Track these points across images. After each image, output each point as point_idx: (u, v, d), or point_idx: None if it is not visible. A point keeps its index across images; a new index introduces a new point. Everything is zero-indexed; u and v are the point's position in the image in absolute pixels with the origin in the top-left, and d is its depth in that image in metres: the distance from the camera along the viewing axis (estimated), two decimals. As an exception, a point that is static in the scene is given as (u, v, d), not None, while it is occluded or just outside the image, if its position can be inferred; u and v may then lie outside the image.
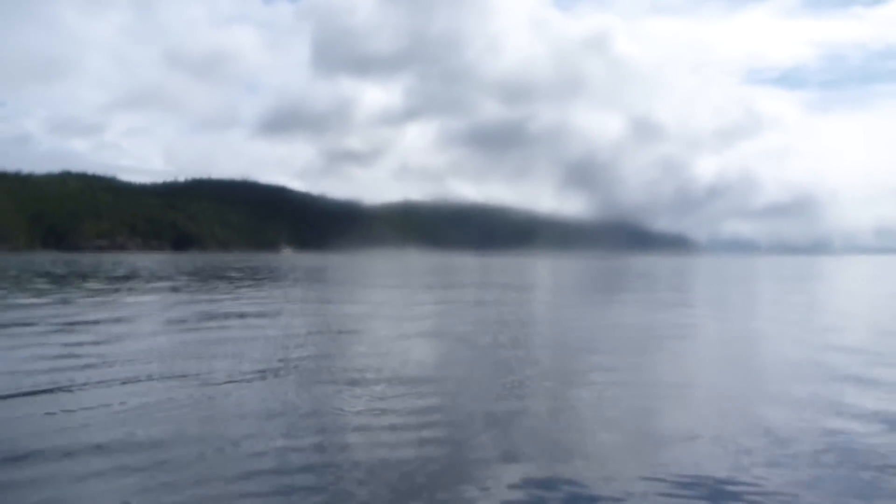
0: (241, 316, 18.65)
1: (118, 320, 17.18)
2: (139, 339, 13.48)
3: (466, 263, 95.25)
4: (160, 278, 42.63)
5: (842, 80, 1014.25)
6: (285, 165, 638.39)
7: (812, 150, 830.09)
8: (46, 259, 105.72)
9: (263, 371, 10.08)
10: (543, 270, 66.11)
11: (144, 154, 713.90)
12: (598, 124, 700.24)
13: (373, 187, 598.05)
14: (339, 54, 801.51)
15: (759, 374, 10.80)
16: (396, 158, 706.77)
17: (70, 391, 8.46)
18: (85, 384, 8.88)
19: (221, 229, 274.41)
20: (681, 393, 9.08)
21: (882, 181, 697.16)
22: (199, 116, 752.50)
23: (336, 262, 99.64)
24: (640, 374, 10.34)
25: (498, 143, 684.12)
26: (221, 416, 7.42)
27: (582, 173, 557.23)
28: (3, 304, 22.00)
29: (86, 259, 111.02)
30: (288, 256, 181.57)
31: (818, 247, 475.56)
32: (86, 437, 6.49)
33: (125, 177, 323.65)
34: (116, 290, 29.70)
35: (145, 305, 22.42)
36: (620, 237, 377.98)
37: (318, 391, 8.77)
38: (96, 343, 12.90)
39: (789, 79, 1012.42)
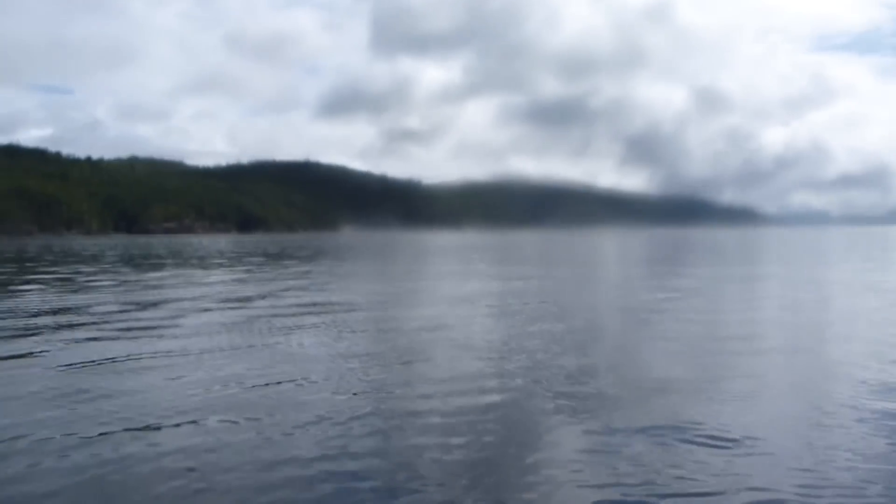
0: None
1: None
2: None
3: (531, 241, 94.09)
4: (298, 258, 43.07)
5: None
6: (346, 146, 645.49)
7: (886, 117, 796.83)
8: (152, 241, 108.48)
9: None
10: (610, 247, 64.77)
11: (209, 137, 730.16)
12: (660, 97, 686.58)
13: (433, 166, 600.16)
14: (398, 34, 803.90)
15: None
16: (456, 137, 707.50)
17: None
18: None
19: (286, 210, 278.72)
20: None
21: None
22: (261, 99, 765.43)
23: (399, 240, 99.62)
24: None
25: (558, 118, 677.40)
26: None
27: (644, 147, 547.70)
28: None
29: (159, 241, 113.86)
30: (349, 236, 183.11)
31: (893, 216, 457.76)
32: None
33: (191, 161, 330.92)
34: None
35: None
36: (684, 211, 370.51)
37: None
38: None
39: (861, 43, 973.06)
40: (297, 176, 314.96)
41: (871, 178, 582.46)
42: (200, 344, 9.46)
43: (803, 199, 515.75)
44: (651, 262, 33.65)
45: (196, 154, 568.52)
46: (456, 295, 16.87)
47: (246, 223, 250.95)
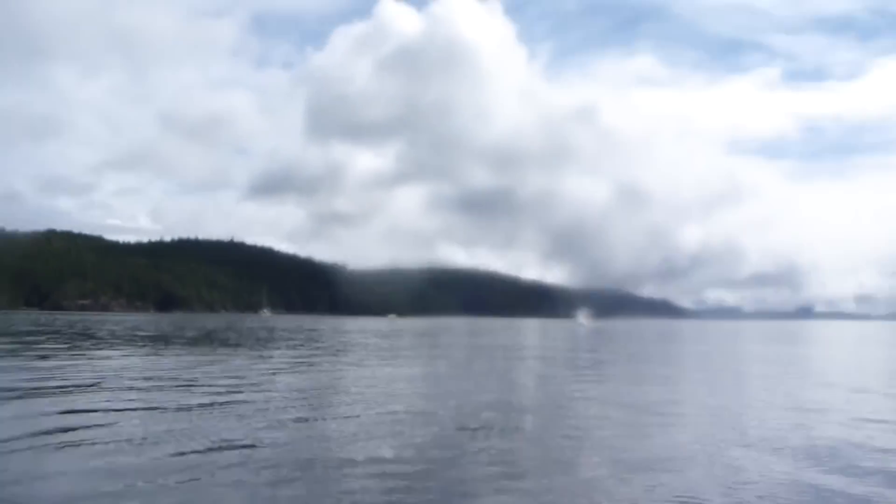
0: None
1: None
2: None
3: (452, 326, 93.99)
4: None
5: (821, 151, 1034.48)
6: (274, 228, 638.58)
7: (793, 219, 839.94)
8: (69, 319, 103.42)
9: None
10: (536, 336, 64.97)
11: (132, 214, 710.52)
12: (585, 193, 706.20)
13: (361, 251, 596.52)
14: (332, 120, 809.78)
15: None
16: (385, 223, 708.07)
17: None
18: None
19: (207, 290, 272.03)
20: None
21: (861, 250, 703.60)
22: (189, 178, 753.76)
23: (308, 324, 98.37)
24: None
25: (486, 209, 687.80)
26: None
27: (568, 241, 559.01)
28: None
29: (73, 319, 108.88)
30: (266, 318, 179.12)
31: (801, 312, 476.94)
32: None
33: (112, 236, 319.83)
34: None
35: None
36: (606, 303, 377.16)
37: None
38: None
39: (770, 149, 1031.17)
40: (221, 256, 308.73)
41: (781, 276, 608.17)
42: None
43: (718, 295, 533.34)
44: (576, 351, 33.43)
45: (118, 230, 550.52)
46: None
47: (165, 302, 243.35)
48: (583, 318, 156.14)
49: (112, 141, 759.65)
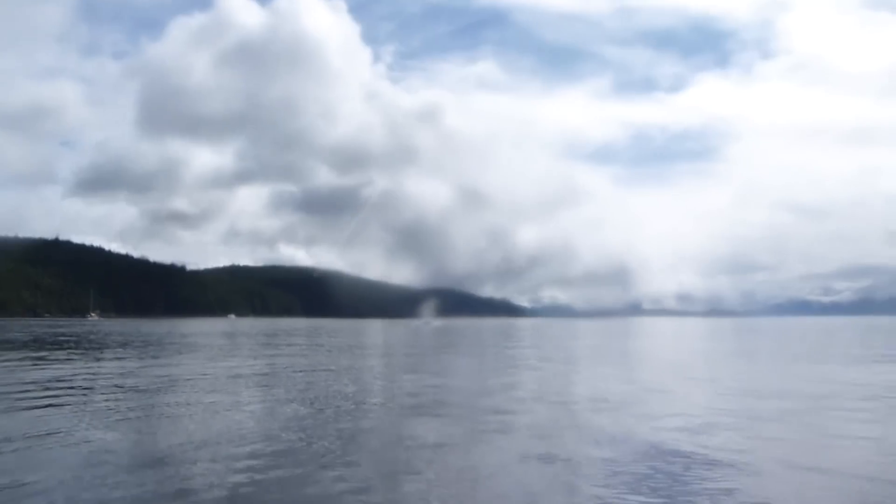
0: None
1: None
2: None
3: (294, 327, 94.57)
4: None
5: (647, 157, 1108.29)
6: (104, 226, 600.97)
7: (623, 221, 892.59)
8: None
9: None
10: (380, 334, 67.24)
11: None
12: (427, 194, 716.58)
13: (199, 251, 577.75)
14: (168, 113, 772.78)
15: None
16: (226, 222, 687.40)
17: None
18: None
19: (28, 293, 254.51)
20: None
21: (682, 250, 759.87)
22: (9, 171, 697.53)
23: (144, 329, 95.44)
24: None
25: (330, 209, 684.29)
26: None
27: (411, 241, 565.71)
28: None
29: None
30: (94, 322, 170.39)
31: (630, 309, 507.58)
32: None
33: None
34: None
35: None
36: (448, 303, 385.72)
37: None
38: None
39: (602, 155, 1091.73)
40: (44, 255, 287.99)
41: (611, 275, 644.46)
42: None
43: (553, 293, 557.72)
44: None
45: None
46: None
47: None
48: (427, 317, 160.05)
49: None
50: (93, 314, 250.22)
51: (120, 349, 37.07)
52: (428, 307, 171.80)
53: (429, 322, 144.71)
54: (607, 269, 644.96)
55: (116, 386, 17.65)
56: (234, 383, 18.89)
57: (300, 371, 21.79)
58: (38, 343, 44.51)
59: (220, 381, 19.37)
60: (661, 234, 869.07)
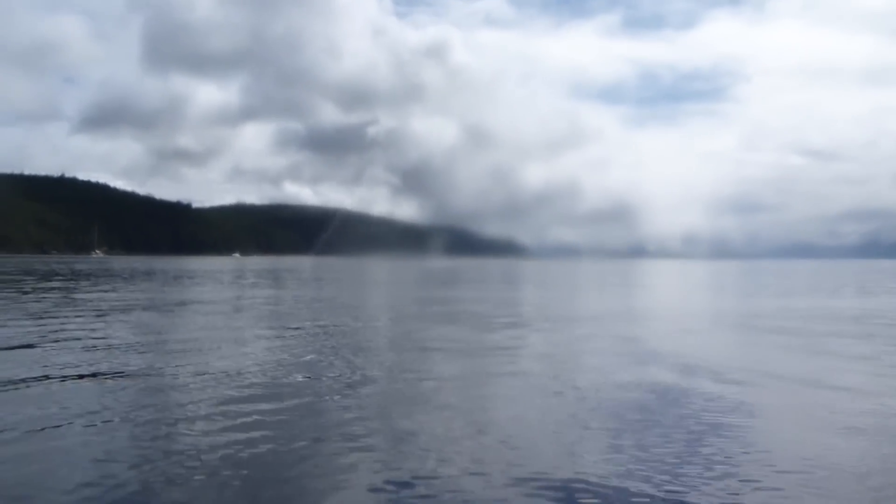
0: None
1: None
2: None
3: (300, 265, 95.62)
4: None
5: (655, 97, 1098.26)
6: (109, 163, 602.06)
7: (629, 161, 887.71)
8: None
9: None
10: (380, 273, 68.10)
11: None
12: (433, 132, 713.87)
13: (205, 189, 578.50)
14: (172, 49, 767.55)
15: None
16: (231, 160, 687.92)
17: None
18: None
19: (36, 229, 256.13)
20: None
21: (688, 192, 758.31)
22: (14, 109, 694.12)
23: (143, 266, 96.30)
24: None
25: (335, 147, 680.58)
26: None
27: (417, 179, 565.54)
28: None
29: None
30: (99, 259, 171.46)
31: (634, 251, 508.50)
32: None
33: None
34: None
35: None
36: (452, 241, 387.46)
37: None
38: None
39: (610, 94, 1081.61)
40: (50, 192, 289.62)
41: (616, 215, 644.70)
42: None
43: (558, 234, 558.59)
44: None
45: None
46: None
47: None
48: (434, 257, 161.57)
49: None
50: (98, 251, 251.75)
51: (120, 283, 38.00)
52: (435, 246, 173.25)
53: (432, 261, 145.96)
54: (613, 210, 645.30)
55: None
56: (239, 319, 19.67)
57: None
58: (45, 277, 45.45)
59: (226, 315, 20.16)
60: (668, 174, 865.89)
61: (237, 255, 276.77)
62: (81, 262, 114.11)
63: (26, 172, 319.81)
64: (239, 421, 7.23)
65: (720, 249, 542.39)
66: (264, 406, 7.92)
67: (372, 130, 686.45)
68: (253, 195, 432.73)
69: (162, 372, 9.87)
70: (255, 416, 7.41)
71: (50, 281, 41.16)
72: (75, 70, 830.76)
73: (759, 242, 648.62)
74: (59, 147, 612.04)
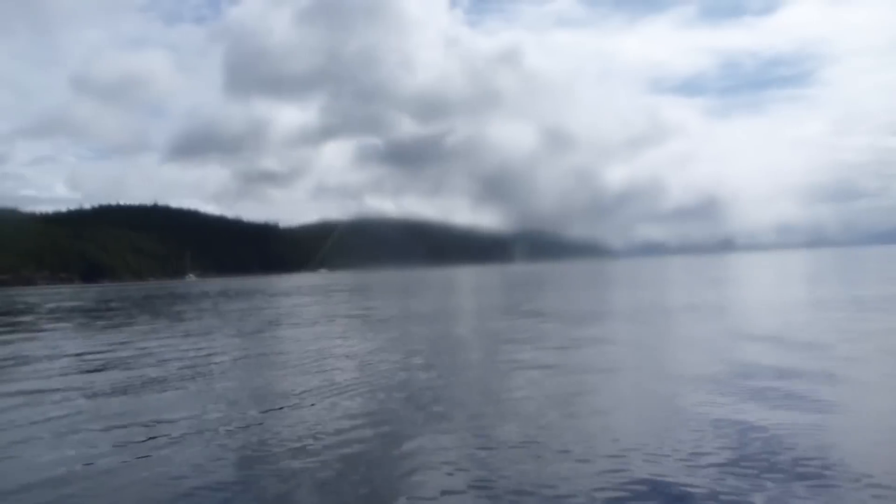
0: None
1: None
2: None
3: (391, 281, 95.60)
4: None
5: (738, 86, 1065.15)
6: (198, 189, 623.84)
7: (713, 154, 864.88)
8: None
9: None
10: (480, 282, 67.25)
11: (49, 183, 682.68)
12: (511, 138, 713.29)
13: (290, 208, 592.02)
14: (252, 75, 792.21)
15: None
16: (314, 178, 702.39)
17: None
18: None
19: (133, 257, 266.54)
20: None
21: (778, 181, 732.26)
22: (107, 143, 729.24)
23: (235, 286, 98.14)
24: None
25: (414, 159, 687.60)
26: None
27: (497, 186, 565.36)
28: None
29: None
30: (192, 283, 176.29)
31: (723, 245, 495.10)
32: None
33: (28, 208, 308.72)
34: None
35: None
36: (537, 247, 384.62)
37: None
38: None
39: (690, 86, 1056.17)
40: (145, 221, 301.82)
41: (702, 210, 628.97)
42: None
43: (645, 232, 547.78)
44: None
45: (34, 201, 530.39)
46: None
47: (91, 272, 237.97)
48: (519, 261, 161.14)
49: (22, 108, 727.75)
50: (191, 275, 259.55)
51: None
52: (519, 252, 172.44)
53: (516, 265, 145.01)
54: (699, 205, 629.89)
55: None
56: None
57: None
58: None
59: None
60: (756, 165, 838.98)
61: (324, 270, 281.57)
62: (178, 287, 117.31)
63: (122, 203, 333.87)
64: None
65: (816, 238, 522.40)
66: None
67: (450, 140, 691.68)
68: (336, 211, 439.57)
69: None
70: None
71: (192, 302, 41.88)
72: (162, 102, 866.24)
73: (858, 229, 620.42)
74: (151, 177, 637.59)
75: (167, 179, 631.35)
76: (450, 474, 5.66)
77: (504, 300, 30.64)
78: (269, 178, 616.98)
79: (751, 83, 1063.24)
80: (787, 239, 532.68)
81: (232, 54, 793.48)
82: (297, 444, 6.72)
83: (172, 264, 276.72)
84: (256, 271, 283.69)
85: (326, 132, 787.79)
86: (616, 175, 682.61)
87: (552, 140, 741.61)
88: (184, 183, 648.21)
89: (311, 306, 32.47)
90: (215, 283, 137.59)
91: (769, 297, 25.31)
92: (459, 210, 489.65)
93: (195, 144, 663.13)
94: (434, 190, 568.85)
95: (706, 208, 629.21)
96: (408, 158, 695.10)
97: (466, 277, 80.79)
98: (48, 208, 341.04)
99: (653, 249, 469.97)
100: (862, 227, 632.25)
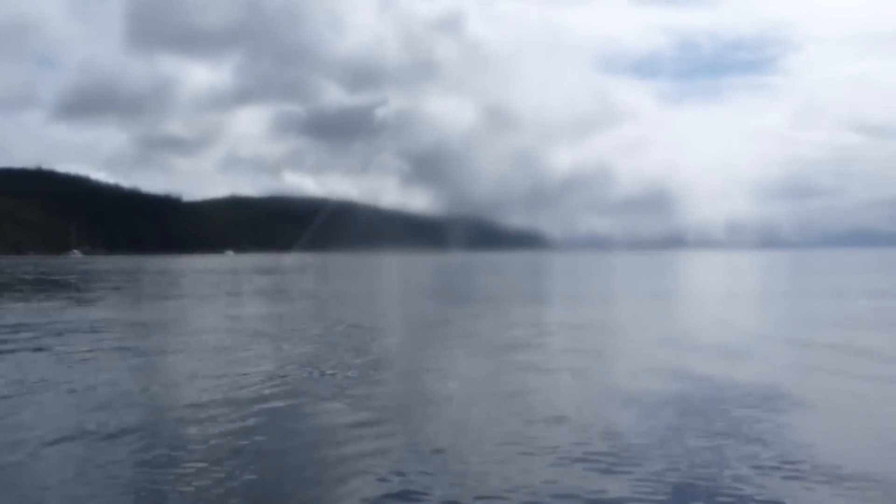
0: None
1: None
2: None
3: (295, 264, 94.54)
4: None
5: (695, 69, 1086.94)
6: (90, 154, 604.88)
7: (666, 142, 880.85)
8: None
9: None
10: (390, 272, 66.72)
11: None
12: (447, 113, 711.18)
13: (196, 180, 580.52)
14: (159, 26, 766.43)
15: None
16: (225, 148, 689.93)
17: None
18: None
19: (11, 228, 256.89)
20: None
21: (732, 175, 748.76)
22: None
23: (121, 266, 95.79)
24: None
25: (340, 131, 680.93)
26: None
27: (431, 165, 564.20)
28: None
29: None
30: (77, 259, 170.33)
31: (672, 241, 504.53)
32: None
33: None
34: None
35: None
36: (472, 234, 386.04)
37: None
38: None
39: (643, 67, 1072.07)
40: (26, 187, 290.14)
41: (652, 202, 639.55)
42: None
43: (589, 224, 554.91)
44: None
45: None
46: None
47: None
48: (455, 250, 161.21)
49: None
50: (76, 251, 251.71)
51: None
52: (452, 239, 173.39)
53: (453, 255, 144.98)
54: (648, 196, 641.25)
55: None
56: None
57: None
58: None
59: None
60: (710, 156, 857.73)
61: (230, 252, 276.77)
62: (58, 265, 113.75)
63: (0, 165, 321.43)
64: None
65: (769, 239, 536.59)
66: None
67: (380, 112, 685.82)
68: (249, 186, 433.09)
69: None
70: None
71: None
72: (52, 51, 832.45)
73: (813, 230, 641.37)
74: (36, 136, 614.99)
75: (54, 140, 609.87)
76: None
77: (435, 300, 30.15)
78: (174, 144, 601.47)
79: (708, 67, 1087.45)
80: (738, 238, 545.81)
81: (137, 1, 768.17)
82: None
83: (56, 237, 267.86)
84: (153, 250, 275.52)
85: (241, 96, 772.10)
86: (560, 160, 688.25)
87: (493, 118, 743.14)
88: (74, 145, 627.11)
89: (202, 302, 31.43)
90: (103, 262, 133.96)
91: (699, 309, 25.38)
92: (388, 191, 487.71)
93: (89, 102, 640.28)
94: (361, 167, 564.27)
95: (655, 201, 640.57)
96: (332, 131, 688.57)
97: (393, 265, 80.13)
98: None
99: (597, 243, 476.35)
100: (817, 228, 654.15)
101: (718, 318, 22.09)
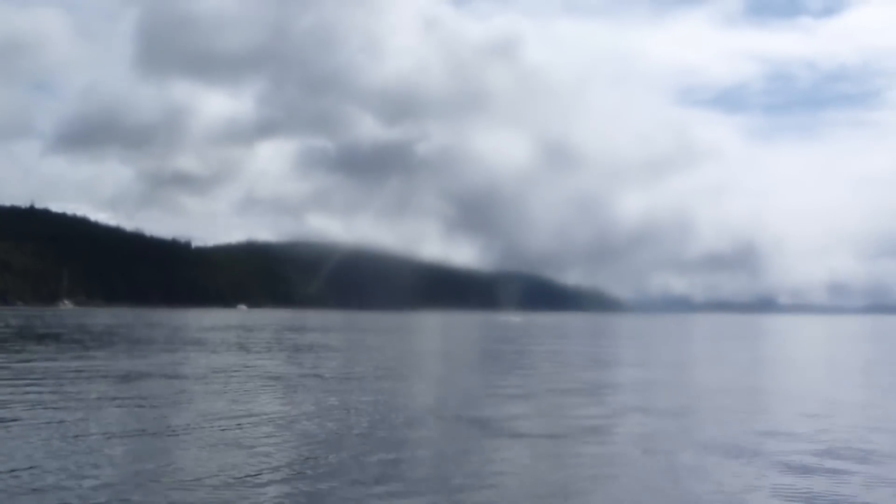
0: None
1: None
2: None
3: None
4: None
5: (789, 103, 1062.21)
6: (90, 191, 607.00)
7: (754, 187, 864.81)
8: None
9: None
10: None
11: None
12: (499, 150, 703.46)
13: (208, 223, 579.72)
14: (173, 49, 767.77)
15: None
16: (242, 187, 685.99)
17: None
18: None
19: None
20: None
21: (833, 227, 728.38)
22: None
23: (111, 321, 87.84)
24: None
25: (374, 169, 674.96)
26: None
27: (478, 211, 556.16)
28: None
29: None
30: (67, 311, 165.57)
31: (762, 304, 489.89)
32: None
33: None
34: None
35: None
36: (525, 293, 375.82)
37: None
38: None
39: (728, 100, 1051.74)
40: (17, 228, 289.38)
41: (738, 259, 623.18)
42: None
43: (662, 283, 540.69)
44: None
45: None
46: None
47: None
48: (512, 314, 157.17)
49: None
50: (66, 301, 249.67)
51: None
52: (503, 298, 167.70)
53: (513, 319, 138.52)
54: (733, 251, 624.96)
55: None
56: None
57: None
58: None
59: None
60: (806, 203, 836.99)
61: (243, 307, 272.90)
62: (42, 317, 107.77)
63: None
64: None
65: (878, 301, 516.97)
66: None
67: (421, 148, 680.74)
68: (267, 231, 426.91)
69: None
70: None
71: None
72: (50, 74, 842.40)
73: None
74: (29, 170, 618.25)
75: (50, 175, 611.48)
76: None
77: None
78: (184, 182, 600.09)
79: (804, 100, 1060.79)
80: (842, 301, 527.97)
81: (148, 21, 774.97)
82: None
83: (48, 286, 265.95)
84: (156, 302, 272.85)
85: (263, 128, 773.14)
86: (630, 207, 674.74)
87: (551, 157, 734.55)
88: (72, 181, 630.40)
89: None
90: (96, 315, 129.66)
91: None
92: (428, 239, 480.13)
93: (90, 133, 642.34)
94: (397, 211, 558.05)
95: (741, 256, 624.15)
96: (365, 168, 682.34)
97: (440, 328, 71.09)
98: None
99: (672, 304, 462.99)
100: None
101: None
